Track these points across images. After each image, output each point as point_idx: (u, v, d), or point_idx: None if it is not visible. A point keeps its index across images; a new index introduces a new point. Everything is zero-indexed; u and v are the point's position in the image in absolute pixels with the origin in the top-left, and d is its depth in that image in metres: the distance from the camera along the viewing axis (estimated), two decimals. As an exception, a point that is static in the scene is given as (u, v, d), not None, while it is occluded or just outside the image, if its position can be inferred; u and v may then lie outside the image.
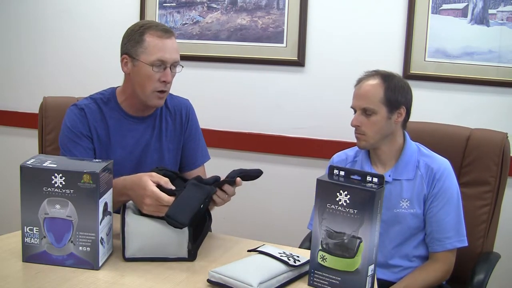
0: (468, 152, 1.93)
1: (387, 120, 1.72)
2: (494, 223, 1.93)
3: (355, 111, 1.76)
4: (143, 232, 1.36)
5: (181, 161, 1.89)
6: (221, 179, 1.45)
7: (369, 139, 1.74)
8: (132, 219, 1.37)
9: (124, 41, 1.73)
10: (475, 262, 1.85)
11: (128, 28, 1.75)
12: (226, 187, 1.45)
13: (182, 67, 1.75)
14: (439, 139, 1.96)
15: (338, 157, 1.92)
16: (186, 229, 1.37)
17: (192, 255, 1.39)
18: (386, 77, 1.74)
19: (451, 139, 1.97)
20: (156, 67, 1.67)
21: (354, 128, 1.77)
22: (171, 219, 1.31)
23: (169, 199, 1.35)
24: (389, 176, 1.75)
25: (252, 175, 1.49)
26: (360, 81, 1.78)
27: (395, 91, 1.72)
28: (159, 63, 1.67)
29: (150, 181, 1.39)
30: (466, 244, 1.74)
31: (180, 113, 1.86)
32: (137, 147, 1.78)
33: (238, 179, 1.45)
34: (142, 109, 1.78)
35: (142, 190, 1.38)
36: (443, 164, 1.76)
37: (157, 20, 2.68)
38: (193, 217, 1.34)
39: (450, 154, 1.82)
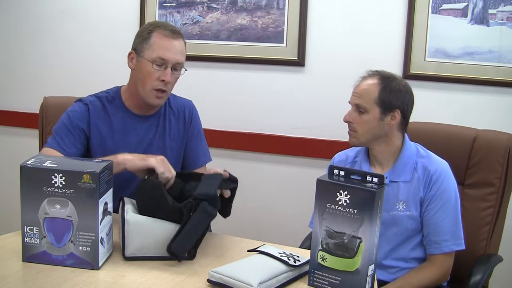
0: (474, 153, 1.91)
1: (379, 121, 1.72)
2: (499, 226, 1.89)
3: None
4: (143, 231, 1.36)
5: (182, 161, 1.89)
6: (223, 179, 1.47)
7: (359, 137, 1.75)
8: (132, 218, 1.36)
9: (135, 38, 1.76)
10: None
11: (141, 27, 1.76)
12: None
13: (186, 70, 1.76)
14: (444, 140, 1.94)
15: (338, 157, 1.93)
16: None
17: (191, 254, 1.39)
18: (385, 78, 1.73)
19: (456, 140, 1.94)
20: (157, 65, 1.69)
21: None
22: (172, 254, 1.33)
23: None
24: (386, 177, 1.74)
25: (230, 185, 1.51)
26: (360, 79, 1.78)
27: (390, 93, 1.71)
28: (160, 61, 1.68)
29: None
30: (463, 247, 1.72)
31: (183, 113, 1.87)
32: (140, 146, 1.79)
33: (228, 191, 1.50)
34: (145, 107, 1.78)
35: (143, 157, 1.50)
36: (440, 165, 1.74)
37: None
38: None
39: (455, 155, 1.79)
